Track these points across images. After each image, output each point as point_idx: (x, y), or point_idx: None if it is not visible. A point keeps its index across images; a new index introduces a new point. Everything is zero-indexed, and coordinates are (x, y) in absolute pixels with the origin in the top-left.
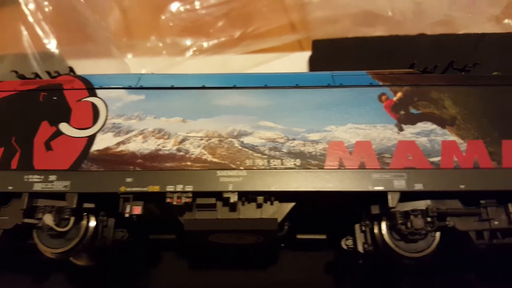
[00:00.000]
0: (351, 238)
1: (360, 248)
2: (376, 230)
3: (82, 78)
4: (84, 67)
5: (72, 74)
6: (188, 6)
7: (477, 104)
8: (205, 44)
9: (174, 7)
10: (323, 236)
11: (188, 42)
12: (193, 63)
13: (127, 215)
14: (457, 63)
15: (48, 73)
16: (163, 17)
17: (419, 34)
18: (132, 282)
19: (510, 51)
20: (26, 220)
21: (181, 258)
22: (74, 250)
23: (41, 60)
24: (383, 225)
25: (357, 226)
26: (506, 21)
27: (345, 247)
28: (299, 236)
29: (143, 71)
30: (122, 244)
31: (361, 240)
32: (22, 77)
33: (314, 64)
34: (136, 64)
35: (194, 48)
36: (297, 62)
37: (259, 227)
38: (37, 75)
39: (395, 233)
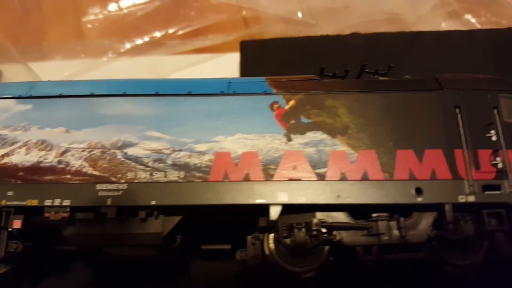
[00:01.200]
0: (245, 250)
1: (250, 261)
2: (264, 243)
3: None
4: None
5: None
6: (110, 8)
7: (374, 112)
8: (128, 45)
9: (95, 9)
10: (228, 246)
11: (109, 43)
12: (118, 65)
13: (10, 229)
14: (368, 66)
15: None
16: (84, 20)
17: (352, 33)
18: None
19: (446, 50)
20: None
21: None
22: None
23: None
24: (270, 238)
25: (249, 238)
26: (467, 16)
27: (239, 258)
28: (203, 247)
29: (65, 74)
30: (21, 254)
31: (250, 252)
32: None
33: (244, 66)
34: (56, 68)
35: (116, 50)
36: (230, 63)
37: (143, 242)
38: None
39: (282, 246)
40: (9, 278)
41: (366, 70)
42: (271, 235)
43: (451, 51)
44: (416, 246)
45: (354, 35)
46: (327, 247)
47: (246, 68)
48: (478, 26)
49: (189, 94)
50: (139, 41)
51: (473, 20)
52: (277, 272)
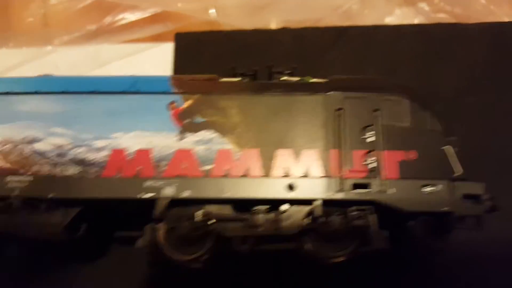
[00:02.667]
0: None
1: (145, 249)
2: (158, 232)
3: None
4: None
5: None
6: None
7: (262, 113)
8: (65, 38)
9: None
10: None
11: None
12: (63, 54)
13: None
14: (275, 67)
15: None
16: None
17: (281, 28)
18: None
19: (371, 46)
20: None
21: None
22: None
23: None
24: (162, 228)
25: (147, 227)
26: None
27: (137, 246)
28: (117, 234)
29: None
30: None
31: (146, 241)
32: None
33: (178, 57)
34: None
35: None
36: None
37: (46, 231)
38: None
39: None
40: None
41: (273, 71)
42: (163, 225)
43: (378, 46)
44: (291, 237)
45: (284, 30)
46: (213, 238)
47: (180, 60)
48: (432, 15)
49: (94, 92)
50: (78, 33)
51: (427, 9)
52: (167, 261)
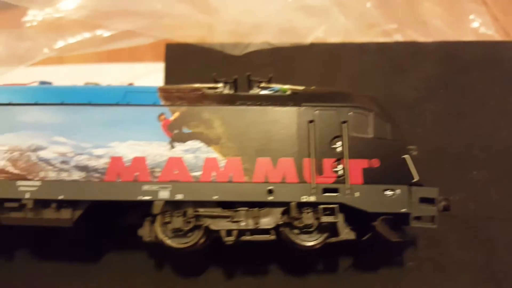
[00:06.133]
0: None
1: (145, 238)
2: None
3: None
4: None
5: None
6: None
7: (242, 123)
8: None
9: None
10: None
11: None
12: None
13: None
14: (253, 76)
15: None
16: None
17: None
18: None
19: (338, 61)
20: None
21: None
22: None
23: None
24: (158, 221)
25: (147, 219)
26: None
27: (138, 234)
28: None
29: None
30: None
31: (146, 231)
32: None
33: (169, 67)
34: None
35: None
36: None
37: (56, 224)
38: None
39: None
40: None
41: (251, 79)
42: (159, 219)
43: (342, 62)
44: (268, 231)
45: (263, 44)
46: (201, 231)
47: (171, 70)
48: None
49: (89, 104)
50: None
51: (401, 40)
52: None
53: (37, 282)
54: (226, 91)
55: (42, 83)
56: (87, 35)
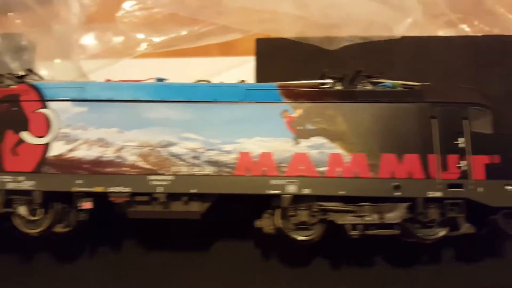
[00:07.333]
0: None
1: (264, 229)
2: (275, 217)
3: (36, 88)
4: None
5: (28, 78)
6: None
7: (365, 119)
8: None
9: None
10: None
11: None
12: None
13: (80, 208)
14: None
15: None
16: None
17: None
18: None
19: (426, 55)
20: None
21: None
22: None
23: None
24: (278, 214)
25: (265, 213)
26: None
27: (256, 226)
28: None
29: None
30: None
31: (265, 222)
32: None
33: (260, 63)
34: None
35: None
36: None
37: (185, 217)
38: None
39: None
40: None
41: (362, 74)
42: (279, 211)
43: (431, 55)
44: (392, 225)
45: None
46: (324, 224)
47: (262, 66)
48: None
49: (215, 102)
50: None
51: (467, 30)
52: (282, 238)
53: (163, 270)
54: (338, 86)
55: (159, 80)
56: (181, 30)
